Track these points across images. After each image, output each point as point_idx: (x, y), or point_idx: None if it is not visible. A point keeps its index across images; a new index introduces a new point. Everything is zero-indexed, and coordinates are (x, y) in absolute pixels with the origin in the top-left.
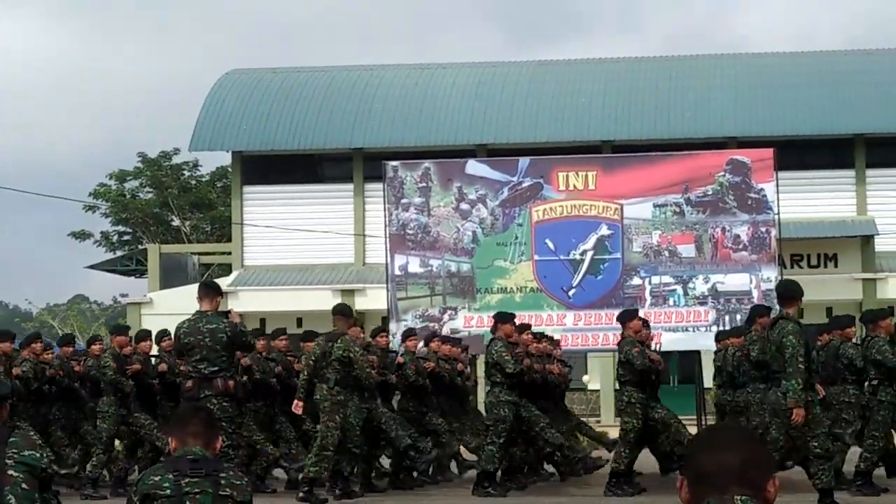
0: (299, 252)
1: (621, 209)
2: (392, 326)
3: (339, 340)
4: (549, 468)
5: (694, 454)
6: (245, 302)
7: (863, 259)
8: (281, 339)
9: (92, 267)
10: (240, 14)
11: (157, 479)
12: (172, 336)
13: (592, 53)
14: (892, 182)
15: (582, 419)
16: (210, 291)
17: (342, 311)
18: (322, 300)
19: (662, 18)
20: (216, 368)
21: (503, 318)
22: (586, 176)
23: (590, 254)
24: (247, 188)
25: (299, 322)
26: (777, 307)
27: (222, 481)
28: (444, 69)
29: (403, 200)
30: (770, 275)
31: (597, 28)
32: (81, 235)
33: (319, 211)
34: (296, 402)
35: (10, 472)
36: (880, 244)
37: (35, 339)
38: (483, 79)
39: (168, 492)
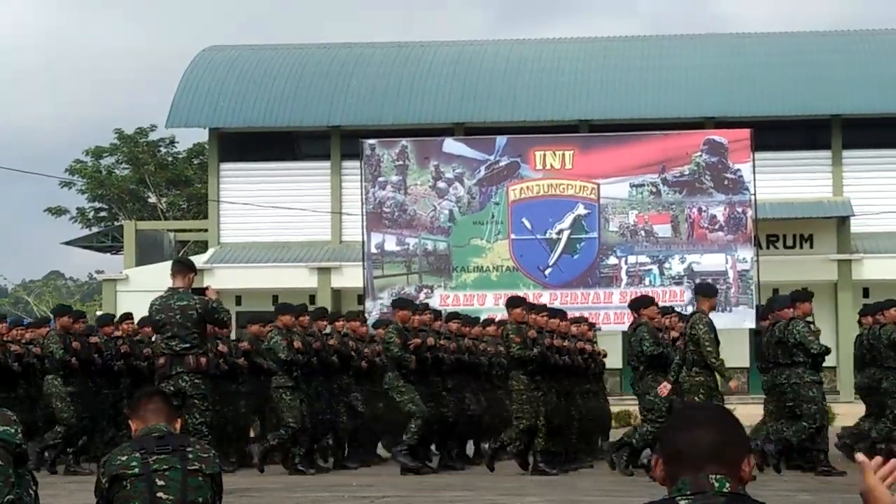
0: (276, 229)
1: (598, 189)
2: (368, 304)
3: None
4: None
5: (669, 433)
6: (221, 279)
7: (838, 240)
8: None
9: (68, 243)
10: None
11: (123, 458)
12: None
13: (582, 32)
14: (869, 163)
15: None
16: (183, 268)
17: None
18: (298, 278)
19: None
20: (187, 345)
21: (513, 302)
22: (563, 155)
23: (566, 233)
24: (223, 165)
25: (275, 299)
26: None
27: (190, 455)
28: (422, 47)
29: (380, 178)
30: (746, 255)
31: (587, 7)
32: (58, 211)
33: (296, 188)
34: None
35: None
36: (856, 225)
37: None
38: (461, 57)
39: (136, 470)
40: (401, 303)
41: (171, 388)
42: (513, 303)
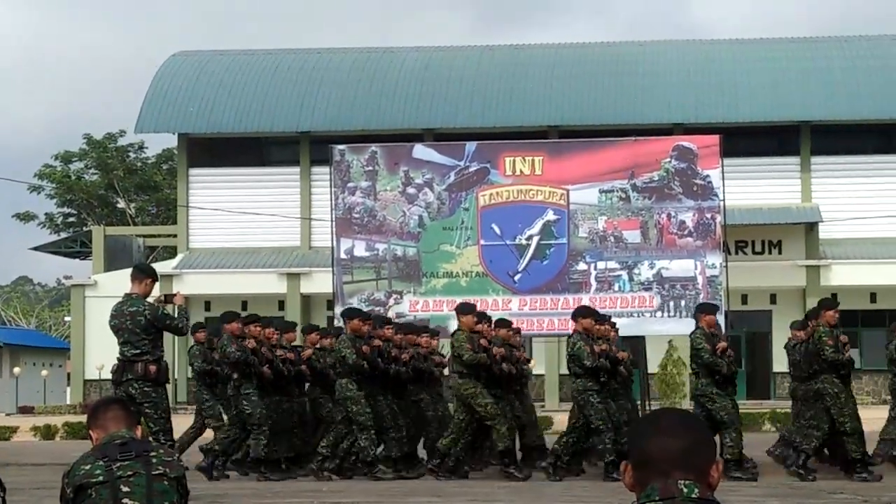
0: (245, 235)
1: (567, 194)
2: (337, 310)
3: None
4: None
5: (638, 439)
6: (190, 284)
7: (807, 246)
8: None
9: (36, 249)
10: None
11: (87, 467)
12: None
13: (558, 38)
14: (837, 169)
15: None
16: (140, 274)
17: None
18: (267, 283)
19: (629, 3)
20: (137, 352)
21: (464, 309)
22: (533, 161)
23: (536, 239)
24: (193, 171)
25: (244, 305)
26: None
27: (154, 460)
28: (391, 53)
29: (350, 184)
30: (715, 261)
31: (563, 12)
32: (26, 217)
33: (265, 194)
34: None
35: None
36: (824, 231)
37: None
38: (431, 63)
39: (101, 478)
40: (351, 312)
41: (123, 395)
42: (464, 310)
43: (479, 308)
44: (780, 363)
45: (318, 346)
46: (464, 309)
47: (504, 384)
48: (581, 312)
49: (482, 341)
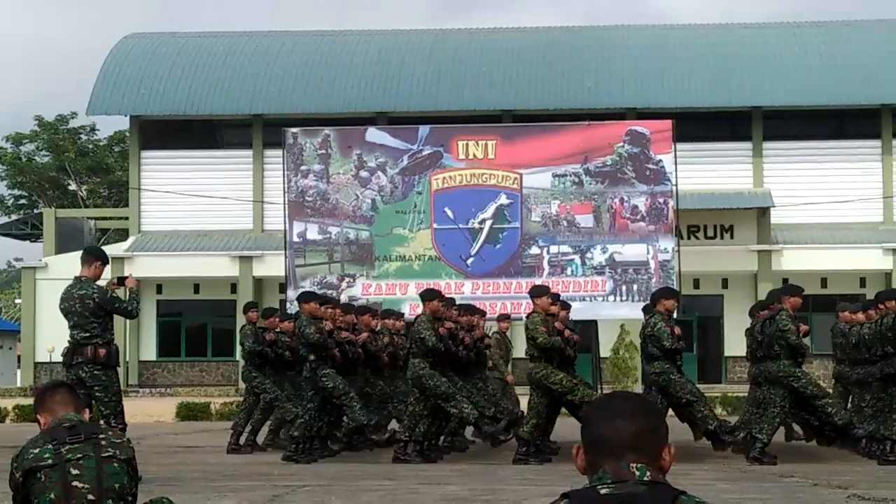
0: (197, 218)
1: (521, 178)
2: (290, 293)
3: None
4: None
5: (590, 422)
6: (142, 267)
7: (758, 231)
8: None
9: None
10: None
11: (36, 451)
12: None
13: (518, 22)
14: (789, 155)
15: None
16: (89, 257)
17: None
18: (220, 266)
19: None
20: (87, 335)
21: (429, 295)
22: (486, 145)
23: (489, 223)
24: (145, 153)
25: (196, 288)
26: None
27: (103, 442)
28: (344, 36)
29: (303, 167)
30: (667, 245)
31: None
32: None
33: (218, 177)
34: None
35: None
36: (776, 216)
37: None
38: (384, 47)
39: (50, 461)
40: (306, 296)
41: (73, 378)
42: (429, 295)
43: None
44: (732, 347)
45: (277, 329)
46: (429, 295)
47: (464, 369)
48: (537, 292)
49: (445, 325)
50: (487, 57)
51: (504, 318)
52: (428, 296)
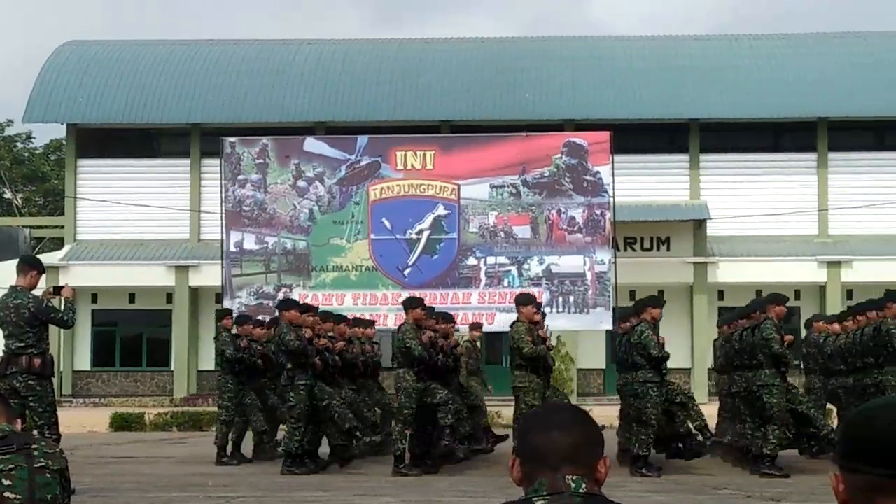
0: (133, 227)
1: (458, 189)
2: (226, 303)
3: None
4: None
5: (527, 434)
6: (77, 276)
7: (695, 243)
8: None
9: None
10: None
11: None
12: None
13: (461, 33)
14: (725, 167)
15: None
16: (25, 266)
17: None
18: (156, 276)
19: (530, 1)
20: (22, 345)
21: (412, 303)
22: (424, 155)
23: (426, 233)
24: (81, 161)
25: (132, 297)
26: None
27: (35, 453)
28: (283, 45)
29: (240, 177)
30: (604, 257)
31: (466, 7)
32: None
33: (155, 186)
34: None
35: None
36: (712, 228)
37: None
38: (323, 56)
39: None
40: (287, 303)
41: (7, 388)
42: (412, 304)
43: (367, 303)
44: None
45: (249, 336)
46: (412, 303)
47: (443, 376)
48: (522, 300)
49: (427, 335)
50: (426, 67)
51: (476, 326)
52: (411, 304)
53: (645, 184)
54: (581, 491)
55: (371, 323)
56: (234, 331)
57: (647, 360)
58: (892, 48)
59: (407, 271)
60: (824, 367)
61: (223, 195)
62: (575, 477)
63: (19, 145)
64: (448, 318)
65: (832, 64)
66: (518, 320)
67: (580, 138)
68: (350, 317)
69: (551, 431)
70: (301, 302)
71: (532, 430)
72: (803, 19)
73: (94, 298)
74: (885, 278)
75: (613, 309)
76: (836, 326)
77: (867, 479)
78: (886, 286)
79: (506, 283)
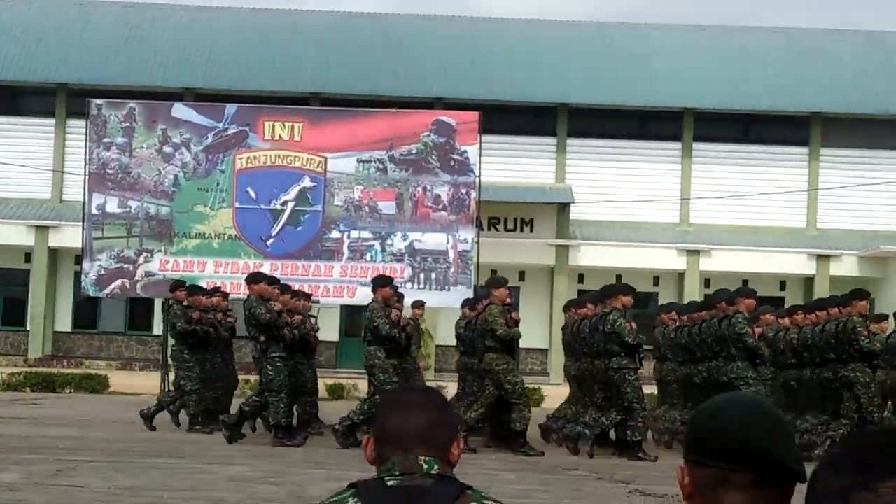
0: None
1: (325, 162)
2: (85, 265)
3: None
4: None
5: (382, 414)
6: None
7: (558, 226)
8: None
9: None
10: None
11: None
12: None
13: (337, 6)
14: (591, 151)
15: None
16: None
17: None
18: (15, 234)
19: None
20: None
21: (381, 282)
22: (293, 127)
23: (291, 204)
24: None
25: None
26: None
27: None
28: (154, 9)
29: (106, 139)
30: (467, 236)
31: None
32: None
33: (18, 144)
34: None
35: None
36: (576, 212)
37: None
38: (196, 22)
39: None
40: (256, 276)
41: None
42: (381, 282)
43: (229, 272)
44: (526, 339)
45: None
46: (381, 282)
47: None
48: (496, 283)
49: (393, 314)
50: (298, 38)
51: (418, 304)
52: (380, 282)
53: (511, 165)
54: (433, 472)
55: (308, 296)
56: (184, 303)
57: (621, 347)
58: (761, 43)
59: (270, 241)
60: (774, 359)
61: (87, 157)
62: (428, 458)
63: None
64: (306, 296)
65: (701, 56)
66: (491, 303)
67: (449, 117)
68: (292, 288)
69: (406, 412)
70: (268, 274)
71: (387, 410)
72: (677, 10)
73: None
74: (743, 268)
75: (475, 287)
76: (786, 320)
77: (713, 472)
78: (743, 276)
79: (368, 258)
